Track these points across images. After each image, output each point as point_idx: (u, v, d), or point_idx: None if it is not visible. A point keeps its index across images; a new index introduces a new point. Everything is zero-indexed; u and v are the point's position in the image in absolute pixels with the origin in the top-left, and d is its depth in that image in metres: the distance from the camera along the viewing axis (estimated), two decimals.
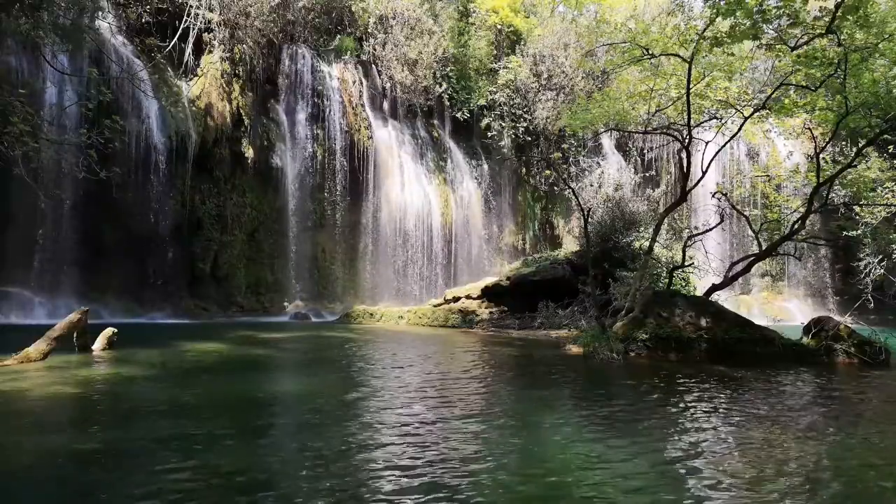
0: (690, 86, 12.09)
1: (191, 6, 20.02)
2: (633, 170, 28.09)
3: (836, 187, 14.88)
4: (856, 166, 14.21)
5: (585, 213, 13.30)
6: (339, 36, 24.84)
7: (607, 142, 29.09)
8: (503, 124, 27.37)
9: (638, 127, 16.10)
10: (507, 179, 28.25)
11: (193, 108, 19.83)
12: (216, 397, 6.51)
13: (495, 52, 28.39)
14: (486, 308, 18.02)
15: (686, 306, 11.12)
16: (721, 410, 6.32)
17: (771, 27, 11.41)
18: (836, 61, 10.40)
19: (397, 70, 25.04)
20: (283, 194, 22.13)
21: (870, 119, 11.54)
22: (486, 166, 27.73)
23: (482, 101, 27.08)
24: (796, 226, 12.94)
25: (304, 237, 22.49)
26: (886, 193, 16.76)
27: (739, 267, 13.69)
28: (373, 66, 25.38)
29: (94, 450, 4.36)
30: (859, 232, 19.12)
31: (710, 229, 14.33)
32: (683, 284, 16.37)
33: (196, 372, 8.25)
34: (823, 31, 10.61)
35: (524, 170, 28.64)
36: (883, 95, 10.89)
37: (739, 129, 13.72)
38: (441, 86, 26.01)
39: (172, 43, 19.66)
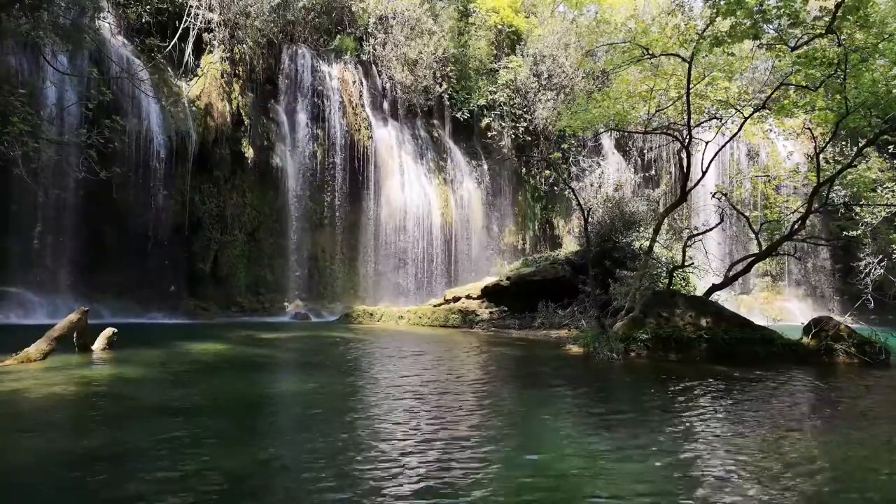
0: (690, 86, 12.10)
1: (191, 6, 20.02)
2: (633, 170, 28.13)
3: (836, 187, 14.87)
4: (856, 166, 14.20)
5: (585, 213, 13.29)
6: (339, 36, 24.84)
7: (607, 142, 29.09)
8: (503, 124, 27.37)
9: (638, 127, 16.09)
10: (507, 179, 28.25)
11: (193, 108, 19.83)
12: (216, 398, 6.51)
13: (495, 52, 28.38)
14: (486, 308, 18.02)
15: (686, 306, 11.12)
16: (721, 410, 6.31)
17: (771, 27, 11.40)
18: (836, 61, 10.40)
19: (397, 70, 25.04)
20: (283, 194, 22.14)
21: (870, 119, 11.53)
22: (486, 166, 27.73)
23: (482, 101, 27.08)
24: (796, 226, 12.93)
25: (304, 237, 22.49)
26: (886, 193, 16.75)
27: (739, 267, 13.70)
28: (373, 66, 25.38)
29: (94, 450, 4.36)
30: (859, 232, 19.11)
31: (710, 229, 14.33)
32: (683, 284, 16.37)
33: (196, 372, 8.25)
34: (823, 31, 10.61)
35: (524, 170, 28.64)
36: (883, 95, 10.88)
37: (739, 129, 13.72)
38: (441, 86, 26.01)
39: (172, 43, 19.67)
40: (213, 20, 20.72)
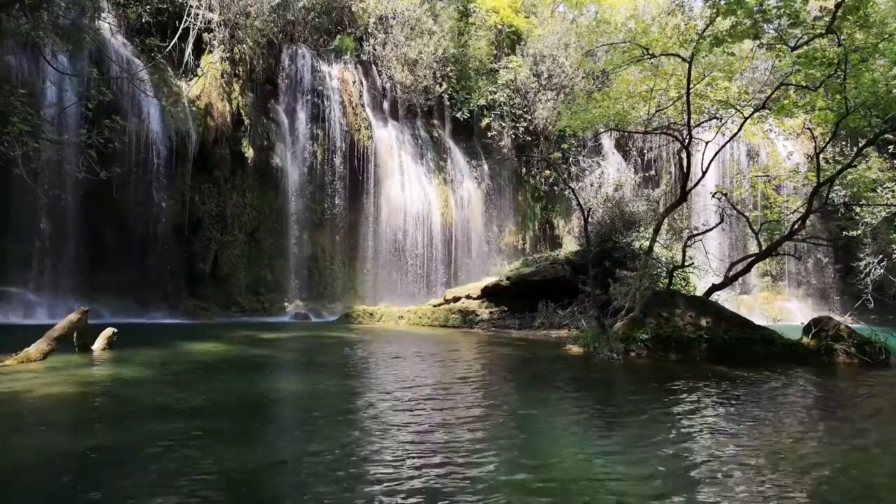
0: (690, 86, 12.10)
1: (191, 6, 20.02)
2: (633, 170, 28.09)
3: (836, 187, 14.87)
4: (856, 166, 14.20)
5: (585, 213, 13.29)
6: (339, 36, 24.83)
7: (607, 142, 29.09)
8: (503, 124, 27.37)
9: (638, 127, 16.09)
10: (507, 179, 28.24)
11: (193, 108, 19.83)
12: (216, 398, 6.51)
13: (495, 52, 28.37)
14: (486, 308, 18.02)
15: (686, 306, 11.12)
16: (721, 411, 6.31)
17: (771, 27, 11.40)
18: (836, 61, 10.40)
19: (397, 70, 25.03)
20: (283, 194, 22.14)
21: (870, 119, 11.53)
22: (486, 166, 27.72)
23: (482, 101, 27.08)
24: (796, 226, 12.94)
25: (304, 237, 22.49)
26: (886, 193, 16.75)
27: (739, 267, 13.69)
28: (373, 66, 25.38)
29: (94, 450, 4.36)
30: (859, 232, 19.10)
31: (710, 229, 14.33)
32: (683, 284, 16.37)
33: (196, 372, 8.25)
34: (823, 31, 10.61)
35: (524, 170, 28.63)
36: (883, 95, 10.87)
37: (739, 129, 13.72)
38: (441, 86, 26.00)
39: (172, 43, 19.66)
40: (213, 20, 20.72)
